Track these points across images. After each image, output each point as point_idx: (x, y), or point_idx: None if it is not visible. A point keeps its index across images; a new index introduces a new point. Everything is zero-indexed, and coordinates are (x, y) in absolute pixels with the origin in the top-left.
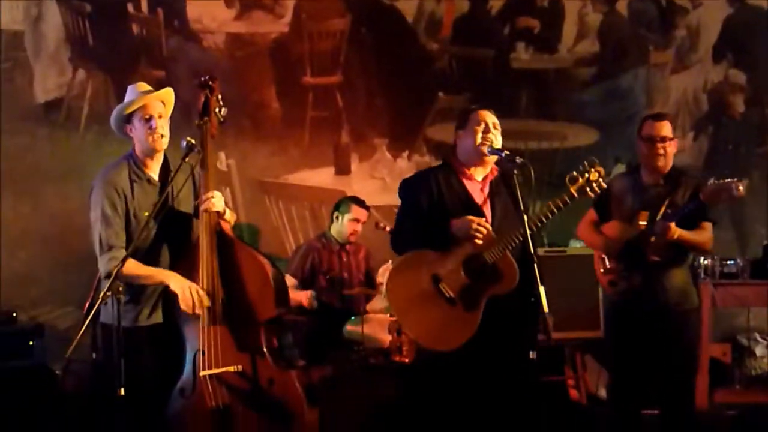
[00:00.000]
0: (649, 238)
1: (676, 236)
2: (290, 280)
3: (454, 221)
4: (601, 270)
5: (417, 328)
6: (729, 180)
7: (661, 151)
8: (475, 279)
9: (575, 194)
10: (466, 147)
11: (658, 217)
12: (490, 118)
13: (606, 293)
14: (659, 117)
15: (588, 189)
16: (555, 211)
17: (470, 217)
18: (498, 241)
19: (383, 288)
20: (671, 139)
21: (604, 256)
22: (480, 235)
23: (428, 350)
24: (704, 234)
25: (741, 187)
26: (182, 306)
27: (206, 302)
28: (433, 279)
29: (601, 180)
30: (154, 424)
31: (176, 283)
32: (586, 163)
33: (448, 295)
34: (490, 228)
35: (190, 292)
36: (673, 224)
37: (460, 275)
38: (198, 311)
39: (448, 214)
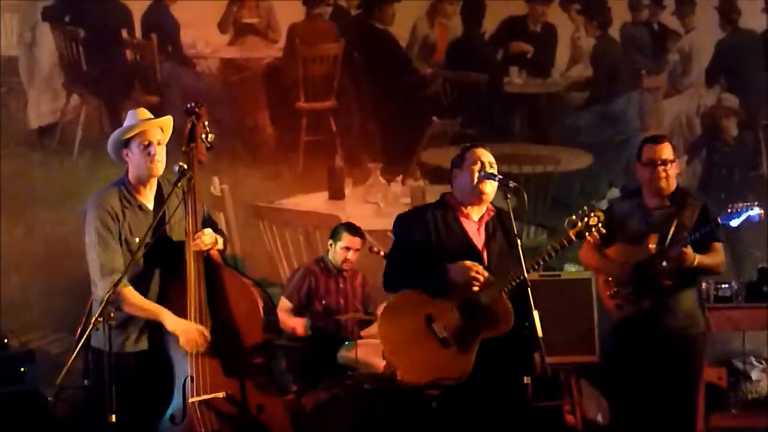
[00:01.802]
0: (661, 262)
1: (696, 262)
2: (286, 304)
3: (450, 266)
4: (608, 293)
5: (409, 369)
6: (749, 204)
7: (663, 174)
8: (469, 320)
9: (573, 238)
10: (463, 186)
11: (668, 239)
12: (486, 156)
13: (612, 317)
14: (658, 140)
15: (587, 233)
16: (553, 254)
17: (467, 262)
18: (494, 283)
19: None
20: (672, 161)
21: (610, 279)
22: (478, 282)
23: None
24: (719, 256)
25: (761, 212)
26: (186, 348)
27: (208, 337)
28: (427, 319)
29: (600, 225)
30: None
31: (175, 324)
32: (585, 208)
33: (441, 336)
34: (486, 274)
35: (195, 334)
36: (689, 249)
37: (454, 316)
38: (202, 350)
39: (446, 256)
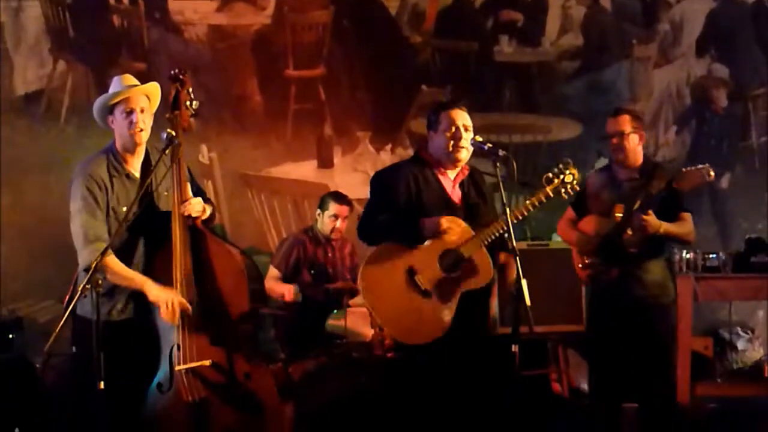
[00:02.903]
0: (625, 230)
1: (662, 230)
2: (274, 272)
3: (424, 220)
4: (579, 265)
5: (391, 320)
6: (700, 166)
7: (616, 144)
8: (450, 273)
9: (551, 194)
10: (438, 149)
11: (634, 209)
12: (461, 119)
13: (587, 287)
14: (616, 112)
15: (562, 190)
16: (530, 209)
17: (443, 218)
18: (475, 236)
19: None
20: (630, 133)
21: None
22: (451, 233)
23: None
24: (686, 225)
25: (712, 172)
26: (165, 318)
27: (188, 309)
28: (408, 272)
29: (575, 182)
30: (133, 418)
31: (155, 293)
32: (561, 165)
33: (423, 288)
34: (464, 224)
35: (172, 305)
36: (650, 216)
37: (436, 268)
38: (176, 324)
39: (425, 211)
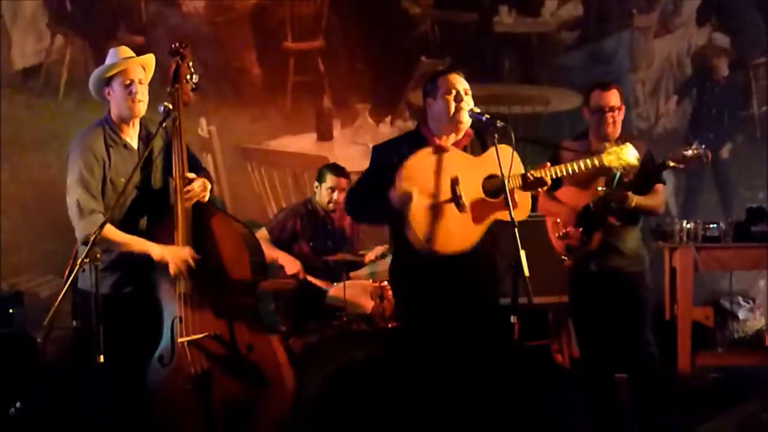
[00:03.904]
0: (608, 203)
1: (633, 204)
2: (263, 233)
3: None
4: (556, 235)
5: (419, 219)
6: (698, 149)
7: (611, 120)
8: (490, 197)
9: (605, 162)
10: (438, 116)
11: (614, 182)
12: (460, 83)
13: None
14: (606, 86)
15: (616, 164)
16: (575, 169)
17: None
18: (518, 174)
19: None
20: (619, 108)
21: (558, 220)
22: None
23: (411, 309)
24: (658, 198)
25: (709, 154)
26: (173, 273)
27: (195, 258)
28: (452, 180)
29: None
30: (135, 391)
31: (159, 251)
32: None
33: (461, 201)
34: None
35: (180, 257)
36: (630, 192)
37: (478, 188)
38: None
39: None
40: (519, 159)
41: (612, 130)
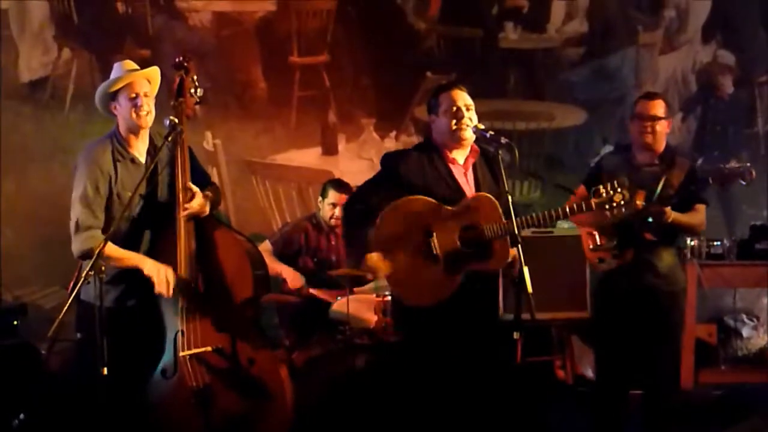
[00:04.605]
0: (645, 217)
1: (670, 219)
2: (266, 246)
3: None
4: (590, 246)
5: (392, 270)
6: (741, 166)
7: (649, 130)
8: (466, 248)
9: (593, 206)
10: (441, 131)
11: (655, 197)
12: (462, 99)
13: (594, 270)
14: (651, 96)
15: (607, 207)
16: (568, 214)
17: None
18: (502, 222)
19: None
20: (661, 119)
21: (594, 232)
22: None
23: (413, 324)
24: (698, 216)
25: (753, 172)
26: (158, 289)
27: (171, 280)
28: (426, 231)
29: (622, 204)
30: (137, 404)
31: (149, 267)
32: (616, 182)
33: (434, 252)
34: (496, 203)
35: (165, 276)
36: (668, 208)
37: (454, 238)
38: (171, 294)
39: (436, 200)
40: (498, 205)
41: (651, 140)
